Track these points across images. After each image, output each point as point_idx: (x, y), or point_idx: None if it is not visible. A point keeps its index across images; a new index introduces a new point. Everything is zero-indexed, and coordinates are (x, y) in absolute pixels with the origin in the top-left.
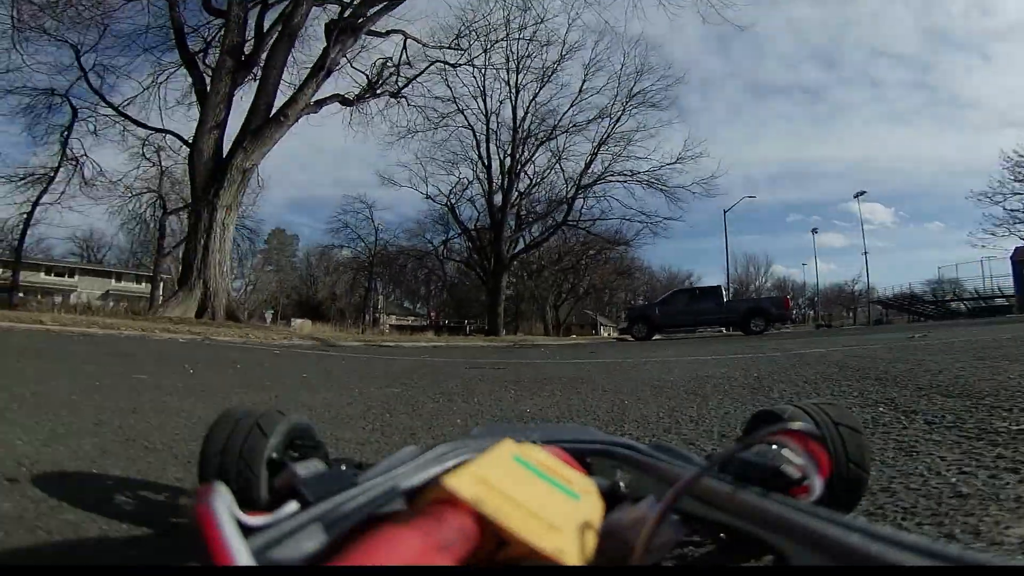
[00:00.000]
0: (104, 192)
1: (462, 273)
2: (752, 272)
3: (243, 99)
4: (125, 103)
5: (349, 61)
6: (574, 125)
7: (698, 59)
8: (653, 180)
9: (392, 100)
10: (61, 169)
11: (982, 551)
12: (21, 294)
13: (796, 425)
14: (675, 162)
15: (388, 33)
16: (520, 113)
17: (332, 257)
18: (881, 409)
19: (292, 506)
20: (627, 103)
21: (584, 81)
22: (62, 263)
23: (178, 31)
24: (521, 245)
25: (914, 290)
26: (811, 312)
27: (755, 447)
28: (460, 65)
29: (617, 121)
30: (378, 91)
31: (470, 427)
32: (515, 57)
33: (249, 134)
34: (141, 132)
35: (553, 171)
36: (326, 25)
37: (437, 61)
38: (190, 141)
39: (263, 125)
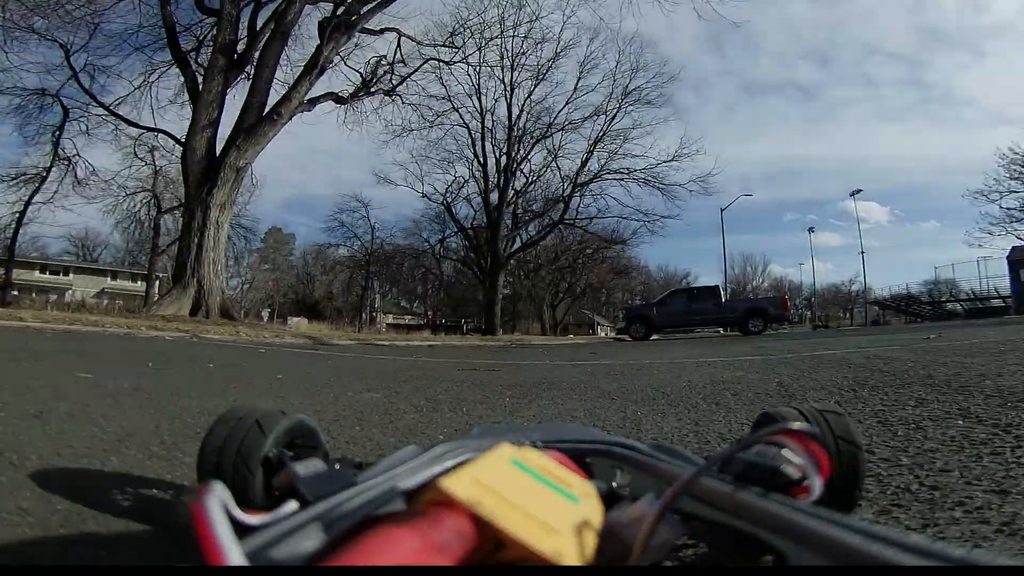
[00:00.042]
0: (97, 191)
1: (459, 272)
2: (749, 272)
3: (236, 98)
4: (116, 102)
5: (343, 59)
6: (570, 123)
7: (693, 57)
8: (649, 178)
9: (386, 98)
10: (53, 169)
11: None
12: (15, 292)
13: (795, 425)
14: (671, 160)
15: (382, 31)
16: (515, 111)
17: (329, 256)
18: (961, 423)
19: (291, 505)
20: (622, 100)
21: (579, 79)
22: (57, 261)
23: (170, 30)
24: (518, 244)
25: (910, 290)
26: (808, 313)
27: (755, 447)
28: (455, 63)
29: (613, 119)
30: (372, 89)
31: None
32: (510, 55)
33: (242, 132)
34: (133, 131)
35: (549, 169)
36: (319, 23)
37: (431, 59)
38: (183, 140)
39: (256, 123)
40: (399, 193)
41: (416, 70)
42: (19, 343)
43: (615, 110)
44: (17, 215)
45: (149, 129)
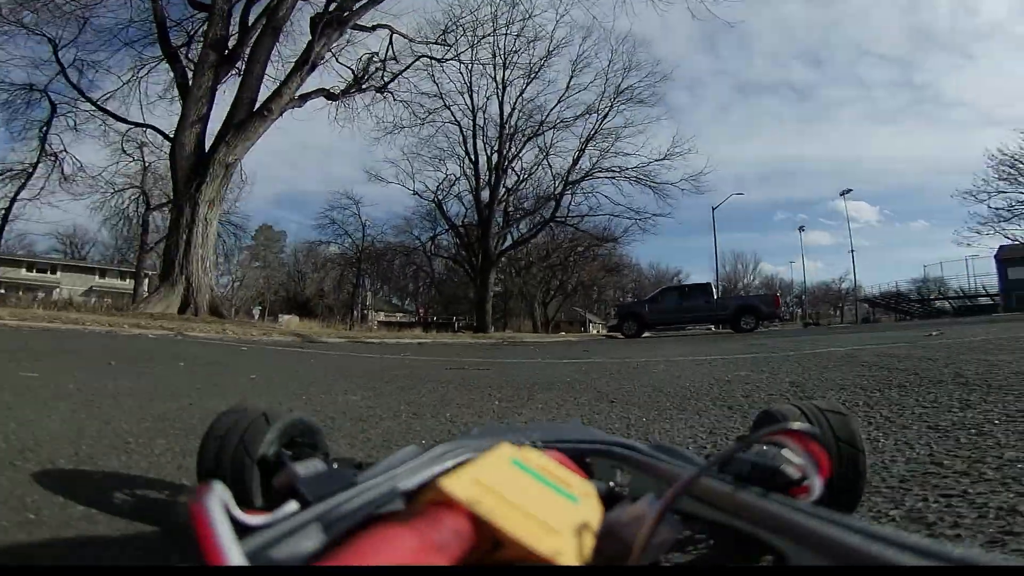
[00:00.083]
0: (85, 188)
1: (450, 270)
2: (740, 270)
3: (226, 93)
4: (105, 97)
5: (335, 55)
6: (561, 121)
7: (687, 57)
8: (641, 176)
9: (378, 95)
10: (40, 165)
11: None
12: (1, 290)
13: (795, 425)
14: (663, 158)
15: (374, 28)
16: (507, 109)
17: (320, 253)
18: None
19: (291, 506)
20: (615, 99)
21: (571, 77)
22: (44, 259)
23: (160, 25)
24: (509, 241)
25: (900, 289)
26: (799, 310)
27: (755, 447)
28: (446, 60)
29: (605, 117)
30: (364, 86)
31: None
32: (502, 53)
33: (232, 128)
34: (121, 127)
35: (540, 167)
36: (311, 19)
37: (423, 56)
38: (171, 136)
39: (247, 119)
40: (390, 190)
41: (408, 67)
42: None
43: (607, 109)
44: (3, 212)
45: (137, 125)
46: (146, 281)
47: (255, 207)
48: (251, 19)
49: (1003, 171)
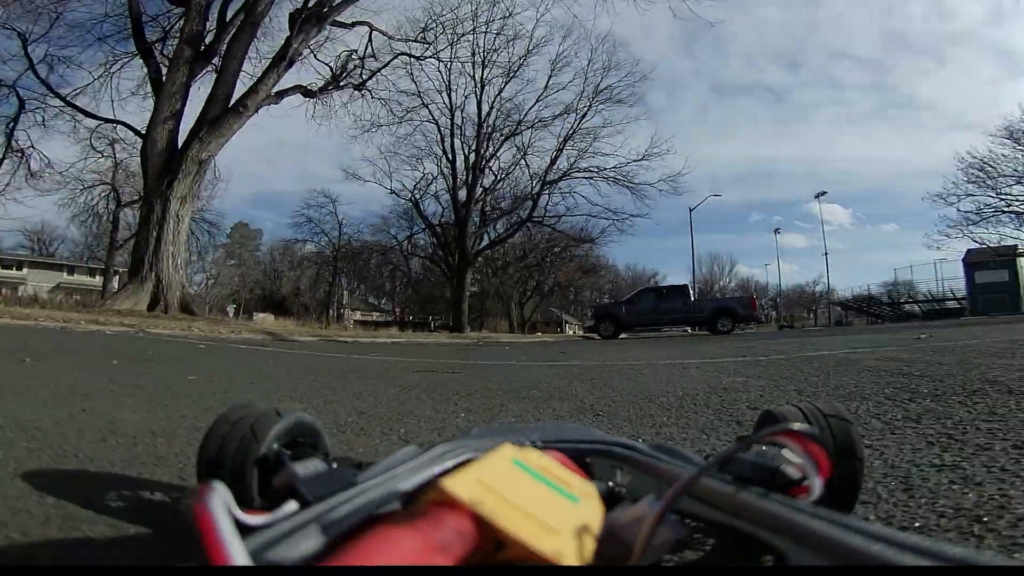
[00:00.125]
0: (52, 184)
1: (427, 269)
2: (716, 272)
3: (201, 90)
4: (74, 93)
5: (313, 52)
6: (539, 121)
7: (665, 58)
8: (619, 177)
9: (356, 93)
10: (6, 161)
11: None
12: None
13: (795, 426)
14: (641, 159)
15: (353, 24)
16: (485, 108)
17: (296, 252)
18: None
19: (291, 506)
20: (593, 99)
21: (550, 77)
22: (10, 256)
23: (136, 20)
24: (486, 241)
25: (872, 292)
26: (774, 313)
27: (755, 447)
28: (425, 58)
29: (583, 117)
30: (341, 83)
31: None
32: (481, 51)
33: (206, 124)
34: (92, 123)
35: (518, 167)
36: (290, 14)
37: (402, 54)
38: (143, 132)
39: (221, 115)
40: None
41: (386, 65)
42: None
43: (586, 108)
44: None
45: (107, 120)
46: (116, 278)
47: (231, 205)
48: (229, 15)
49: (972, 174)
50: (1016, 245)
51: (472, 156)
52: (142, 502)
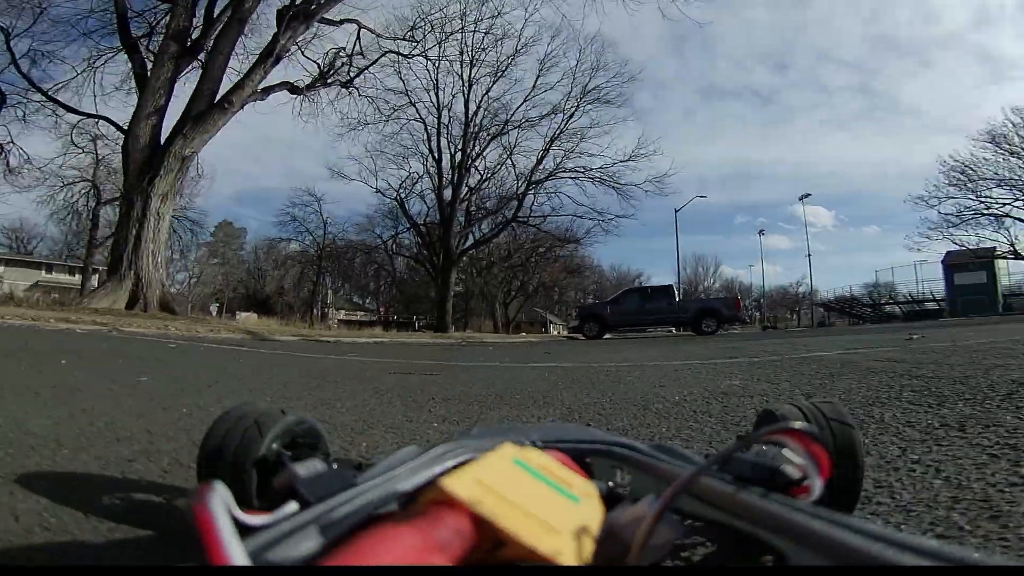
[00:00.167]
0: (32, 181)
1: (411, 269)
2: (701, 272)
3: (186, 86)
4: (56, 87)
5: (300, 49)
6: (527, 120)
7: (654, 58)
8: (605, 177)
9: (343, 91)
10: None
11: None
12: None
13: (796, 425)
14: (628, 160)
15: (341, 22)
16: (472, 107)
17: (280, 251)
18: None
19: (292, 506)
20: (581, 99)
21: (538, 76)
22: None
23: (121, 15)
24: (470, 241)
25: (853, 293)
26: (757, 314)
27: (755, 447)
28: (413, 56)
29: (571, 117)
30: (329, 80)
31: None
32: (470, 50)
33: (191, 120)
34: (73, 118)
35: (504, 167)
36: (278, 11)
37: (390, 52)
38: (125, 127)
39: (206, 111)
40: (352, 188)
41: (374, 62)
42: None
43: (573, 109)
44: None
45: (89, 116)
46: (96, 277)
47: (215, 203)
48: (216, 10)
49: (953, 177)
50: (994, 247)
51: (458, 155)
52: None
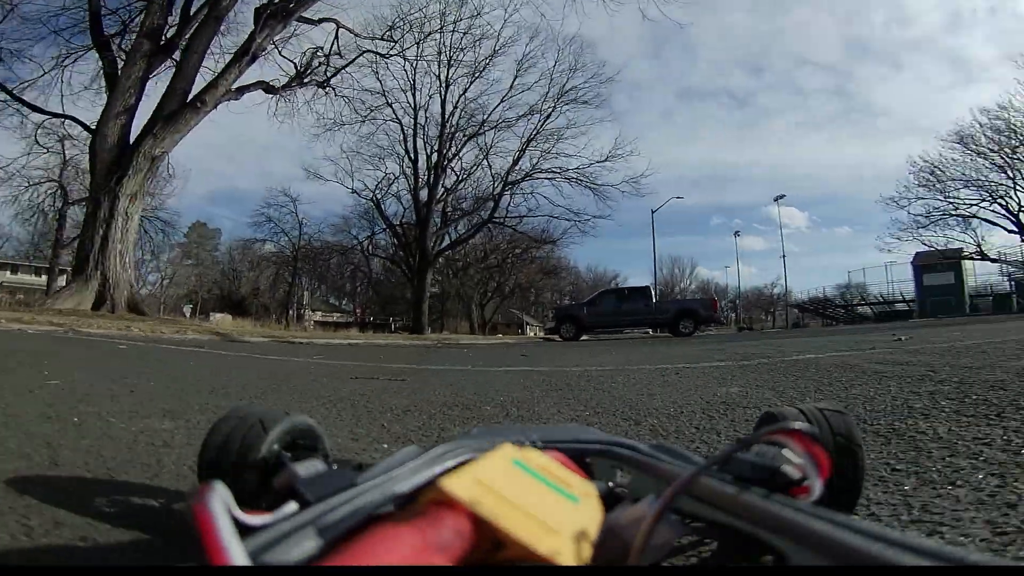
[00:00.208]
0: None
1: (388, 270)
2: (677, 274)
3: (159, 85)
4: (22, 86)
5: (277, 48)
6: (503, 121)
7: (632, 60)
8: (582, 178)
9: (319, 91)
10: None
11: None
12: None
13: (796, 425)
14: (604, 160)
15: (320, 21)
16: (449, 108)
17: (255, 251)
18: None
19: (292, 506)
20: (558, 100)
21: (516, 77)
22: None
23: (94, 13)
24: (447, 242)
25: (826, 294)
26: (733, 315)
27: (755, 447)
28: (391, 56)
29: (547, 118)
30: (305, 80)
31: None
32: (448, 51)
33: (161, 119)
34: (39, 117)
35: (480, 167)
36: (256, 9)
37: (368, 51)
38: (93, 127)
39: (178, 110)
40: (328, 188)
41: (351, 62)
42: None
43: (550, 109)
44: None
45: (55, 115)
46: (63, 277)
47: (188, 203)
48: (193, 8)
49: (923, 178)
50: (961, 248)
51: (434, 156)
52: None
